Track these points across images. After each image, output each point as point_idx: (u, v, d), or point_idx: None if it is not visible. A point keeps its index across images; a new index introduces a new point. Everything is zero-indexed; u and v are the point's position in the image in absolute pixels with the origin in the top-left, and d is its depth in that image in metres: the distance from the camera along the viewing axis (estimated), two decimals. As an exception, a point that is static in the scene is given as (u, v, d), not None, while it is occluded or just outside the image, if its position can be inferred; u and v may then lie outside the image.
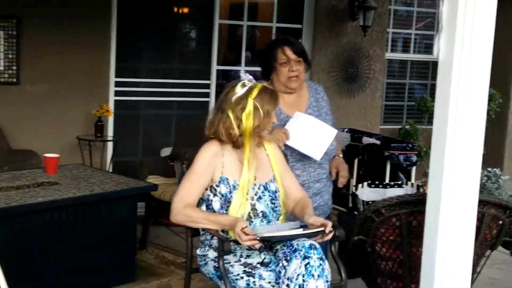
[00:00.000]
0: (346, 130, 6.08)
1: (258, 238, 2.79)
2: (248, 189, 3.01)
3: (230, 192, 3.01)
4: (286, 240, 2.87)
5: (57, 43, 5.99)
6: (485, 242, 3.58)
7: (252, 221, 3.02)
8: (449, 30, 2.88)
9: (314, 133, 3.46)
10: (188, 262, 3.27)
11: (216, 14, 6.64)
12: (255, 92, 3.01)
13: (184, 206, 2.98)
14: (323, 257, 2.83)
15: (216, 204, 3.03)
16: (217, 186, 3.03)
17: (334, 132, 3.53)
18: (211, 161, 3.03)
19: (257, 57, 7.32)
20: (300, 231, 2.90)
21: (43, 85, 6.00)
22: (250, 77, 3.07)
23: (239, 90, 3.01)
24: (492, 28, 2.86)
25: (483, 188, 7.04)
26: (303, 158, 3.54)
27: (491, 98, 7.45)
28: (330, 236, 2.93)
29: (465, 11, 2.81)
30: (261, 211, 3.04)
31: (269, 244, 2.95)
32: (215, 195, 3.04)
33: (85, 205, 4.06)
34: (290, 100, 3.61)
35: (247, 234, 2.78)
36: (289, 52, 3.52)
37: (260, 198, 3.06)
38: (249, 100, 2.99)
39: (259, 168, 3.09)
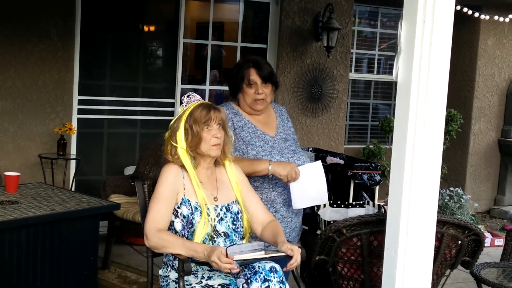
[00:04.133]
0: (310, 149, 6.10)
1: (236, 263, 2.75)
2: (205, 208, 3.01)
3: (192, 214, 3.01)
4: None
5: (19, 60, 5.93)
6: (444, 262, 3.62)
7: (215, 241, 3.01)
8: (407, 53, 2.93)
9: (312, 180, 3.45)
10: (148, 283, 3.24)
11: (180, 33, 6.65)
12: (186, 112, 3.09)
13: (158, 230, 2.97)
14: (284, 280, 2.84)
15: (178, 225, 3.03)
16: (178, 207, 3.03)
17: (319, 164, 3.51)
18: (175, 182, 3.05)
19: (224, 76, 7.34)
20: (274, 252, 2.93)
21: (5, 103, 5.93)
22: (188, 99, 3.13)
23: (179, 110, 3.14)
24: (448, 51, 2.92)
25: (445, 207, 7.12)
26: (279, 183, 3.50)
27: (452, 119, 7.55)
28: (295, 265, 2.93)
29: (422, 34, 2.87)
30: (223, 232, 3.04)
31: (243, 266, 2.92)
32: (176, 216, 3.03)
33: (45, 224, 4.01)
34: (261, 119, 3.57)
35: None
36: (255, 76, 3.47)
37: (221, 219, 3.06)
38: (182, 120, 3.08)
39: (220, 190, 3.11)
